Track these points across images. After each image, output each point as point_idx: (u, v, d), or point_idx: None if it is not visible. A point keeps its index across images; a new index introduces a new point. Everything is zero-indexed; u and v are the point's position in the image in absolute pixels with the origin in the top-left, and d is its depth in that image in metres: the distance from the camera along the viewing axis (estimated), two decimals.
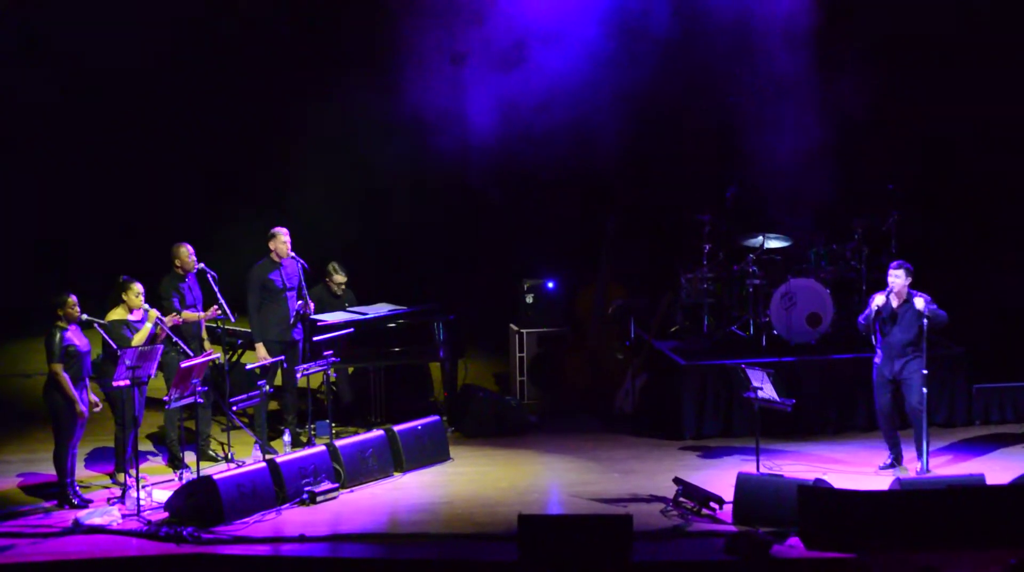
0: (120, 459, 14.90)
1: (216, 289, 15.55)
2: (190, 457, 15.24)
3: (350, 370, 17.49)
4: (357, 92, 20.37)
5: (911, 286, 14.95)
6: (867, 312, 15.08)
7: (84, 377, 14.32)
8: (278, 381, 16.42)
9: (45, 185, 21.60)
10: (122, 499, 14.34)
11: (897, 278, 14.92)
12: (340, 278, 17.44)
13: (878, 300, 14.98)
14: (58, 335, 14.12)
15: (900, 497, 13.50)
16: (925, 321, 14.75)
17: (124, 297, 14.78)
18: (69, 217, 21.74)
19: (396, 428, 15.61)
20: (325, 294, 17.27)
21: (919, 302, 14.83)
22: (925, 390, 14.89)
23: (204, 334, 15.83)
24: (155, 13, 20.84)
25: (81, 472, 15.06)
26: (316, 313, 16.45)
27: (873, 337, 15.11)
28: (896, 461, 15.23)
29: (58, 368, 14.12)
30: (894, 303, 14.96)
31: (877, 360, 15.14)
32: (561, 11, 18.80)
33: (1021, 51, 19.36)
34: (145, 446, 16.19)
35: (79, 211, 21.76)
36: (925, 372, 14.88)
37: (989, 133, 19.67)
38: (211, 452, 15.82)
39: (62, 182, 21.61)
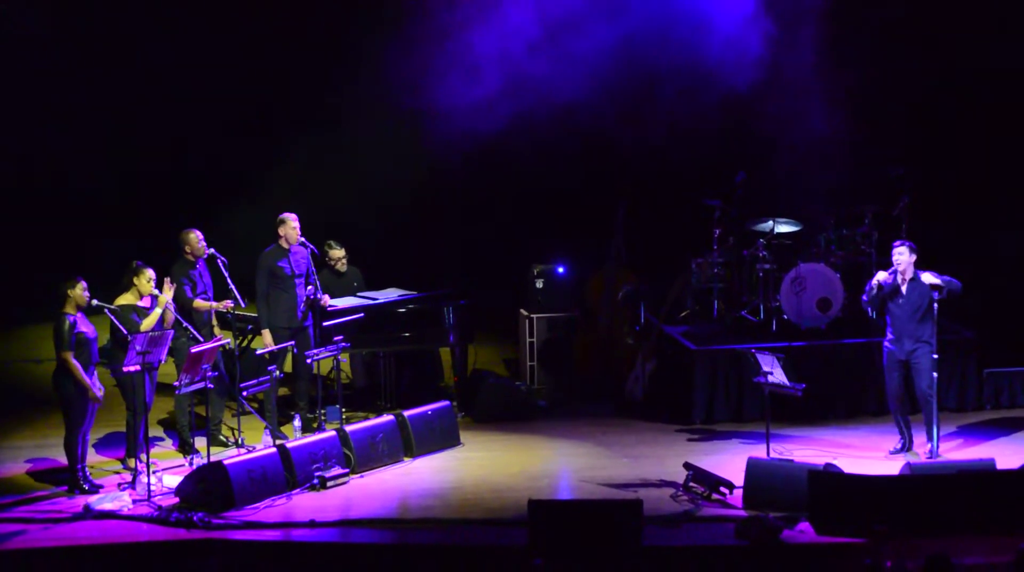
0: (131, 445, 14.93)
1: (227, 274, 15.55)
2: (200, 442, 15.25)
3: (363, 354, 17.49)
4: (368, 76, 20.35)
5: (916, 265, 14.98)
6: (868, 288, 15.10)
7: (92, 364, 14.34)
8: (288, 366, 16.43)
9: (52, 169, 21.63)
10: (133, 484, 14.37)
11: (901, 256, 14.95)
12: (337, 253, 17.38)
13: (880, 276, 15.00)
14: (67, 323, 14.13)
15: (910, 482, 13.50)
16: (936, 295, 14.75)
17: (135, 282, 14.78)
18: (77, 203, 21.78)
19: (406, 413, 15.62)
20: (329, 276, 17.22)
21: (927, 277, 14.85)
22: (935, 374, 14.89)
23: (214, 320, 15.84)
24: (172, 5, 20.91)
25: (92, 457, 15.07)
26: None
27: (879, 316, 15.16)
28: (907, 446, 15.22)
29: (68, 356, 14.13)
30: (900, 282, 14.96)
31: (887, 342, 15.15)
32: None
33: None
34: (156, 432, 16.21)
35: (87, 196, 21.80)
36: (935, 356, 14.88)
37: (1003, 116, 19.63)
38: (221, 437, 15.84)
39: (68, 166, 21.64)
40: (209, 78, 21.29)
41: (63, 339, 14.11)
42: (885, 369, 15.24)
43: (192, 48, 21.11)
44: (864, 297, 15.20)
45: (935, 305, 14.80)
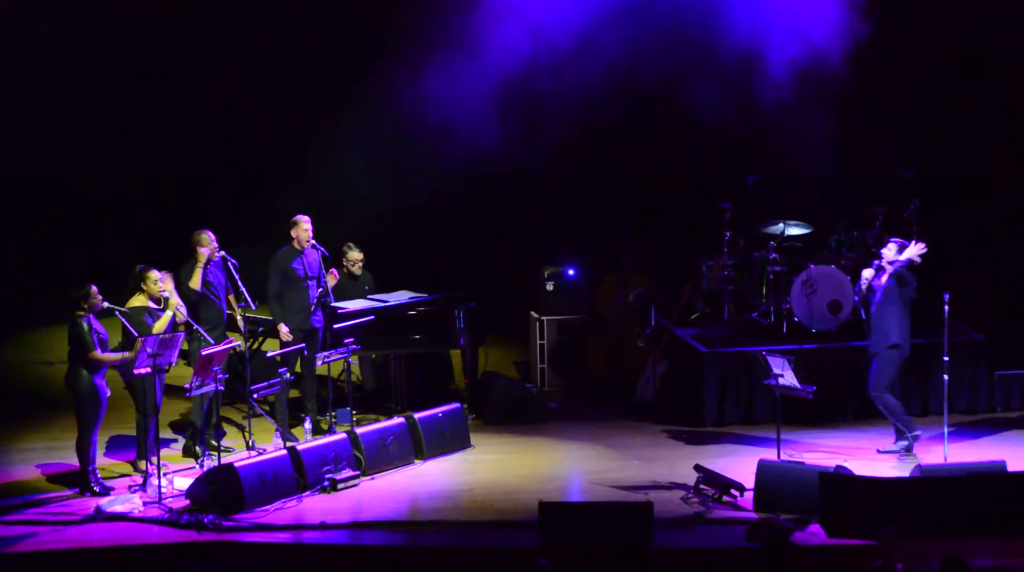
0: (141, 447, 14.94)
1: (236, 276, 15.57)
2: (212, 445, 15.28)
3: (373, 357, 17.50)
4: (377, 80, 20.36)
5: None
6: (858, 286, 15.25)
7: (104, 365, 14.38)
8: (298, 368, 16.43)
9: (59, 174, 21.66)
10: (143, 487, 14.38)
11: (888, 251, 15.06)
12: (355, 255, 17.33)
13: (865, 273, 15.11)
14: (85, 325, 14.16)
15: (921, 484, 13.48)
16: (891, 284, 14.89)
17: (143, 285, 14.80)
18: (84, 206, 21.83)
19: (417, 415, 15.63)
20: (344, 279, 17.22)
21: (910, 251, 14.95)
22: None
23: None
24: (182, 9, 20.93)
25: (102, 460, 15.10)
26: (336, 300, 16.45)
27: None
28: (899, 444, 15.31)
29: (96, 353, 14.17)
30: (882, 277, 15.09)
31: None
32: (579, 2, 18.76)
33: None
34: (166, 434, 16.22)
35: (96, 200, 21.84)
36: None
37: (1014, 118, 19.61)
38: (212, 441, 15.67)
39: (76, 172, 21.68)
40: (218, 79, 21.33)
41: (86, 341, 14.14)
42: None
43: (200, 50, 21.14)
44: (855, 297, 15.30)
45: (897, 296, 14.96)
